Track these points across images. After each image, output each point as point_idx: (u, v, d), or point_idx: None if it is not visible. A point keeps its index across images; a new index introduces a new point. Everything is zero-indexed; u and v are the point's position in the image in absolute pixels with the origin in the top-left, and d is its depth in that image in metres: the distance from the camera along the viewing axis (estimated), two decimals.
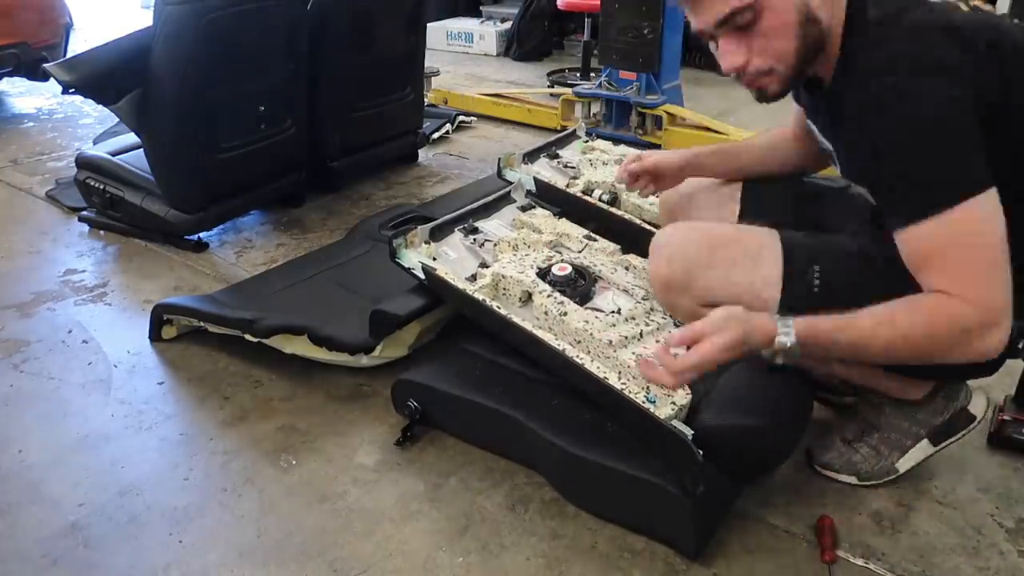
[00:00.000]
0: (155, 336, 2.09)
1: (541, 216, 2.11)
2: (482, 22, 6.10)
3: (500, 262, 1.85)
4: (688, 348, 1.24)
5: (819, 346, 1.21)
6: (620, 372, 1.52)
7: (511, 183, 2.27)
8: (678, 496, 1.36)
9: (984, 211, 1.14)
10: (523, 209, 2.17)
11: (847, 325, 1.20)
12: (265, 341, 1.88)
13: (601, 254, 1.94)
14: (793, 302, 1.34)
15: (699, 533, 1.39)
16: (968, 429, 1.53)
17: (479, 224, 2.07)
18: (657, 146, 3.48)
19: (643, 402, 1.43)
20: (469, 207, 2.11)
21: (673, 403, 1.43)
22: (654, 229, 2.12)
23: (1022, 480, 1.60)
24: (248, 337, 1.90)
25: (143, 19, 2.61)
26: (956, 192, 1.13)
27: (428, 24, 3.56)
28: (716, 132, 3.39)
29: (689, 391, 1.46)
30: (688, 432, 1.36)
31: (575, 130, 2.80)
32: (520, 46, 5.68)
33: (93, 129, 3.94)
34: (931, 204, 1.14)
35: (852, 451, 1.58)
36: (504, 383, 1.67)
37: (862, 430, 1.58)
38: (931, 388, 1.51)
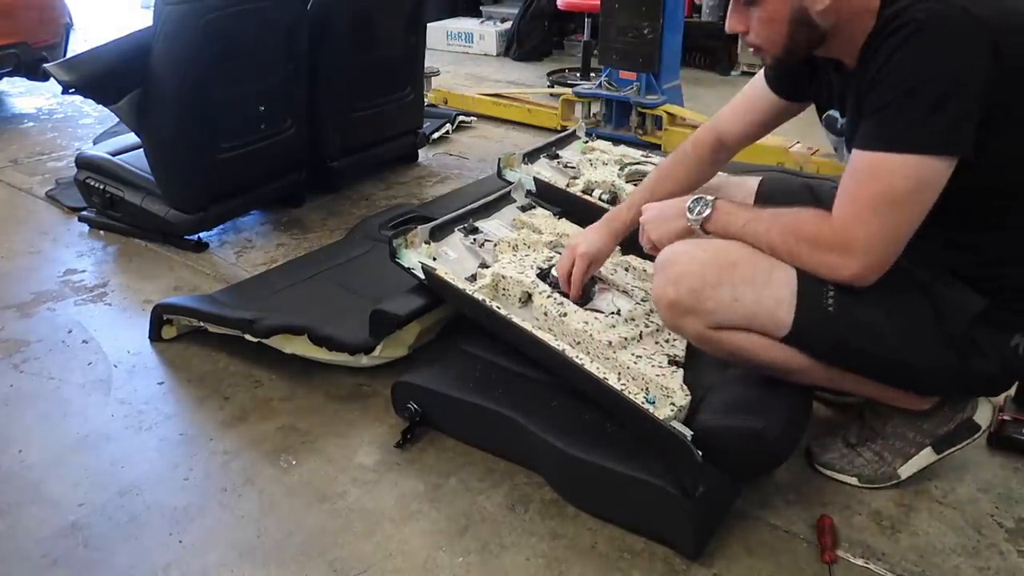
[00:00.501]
0: (155, 336, 2.09)
1: (541, 216, 2.11)
2: (482, 22, 6.10)
3: (500, 262, 1.85)
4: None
5: (726, 229, 1.40)
6: (620, 373, 1.52)
7: (511, 183, 2.27)
8: (677, 497, 1.35)
9: (927, 173, 1.20)
10: (523, 209, 2.18)
11: (749, 222, 1.38)
12: (265, 341, 1.88)
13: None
14: (808, 325, 1.35)
15: (699, 534, 1.39)
16: (972, 439, 1.53)
17: (479, 224, 2.07)
18: (657, 146, 3.49)
19: (642, 403, 1.43)
20: (469, 207, 2.11)
21: (672, 404, 1.43)
22: None
23: (1022, 480, 1.60)
24: (248, 337, 1.90)
25: (143, 19, 2.61)
26: (917, 142, 1.18)
27: (428, 24, 3.56)
28: None
29: (688, 392, 1.46)
30: (687, 432, 1.36)
31: (575, 130, 2.80)
32: (520, 46, 5.68)
33: (93, 129, 3.94)
34: (893, 140, 1.20)
35: (855, 454, 1.58)
36: (503, 385, 1.67)
37: (866, 436, 1.58)
38: (938, 399, 1.51)
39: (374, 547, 1.44)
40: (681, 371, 1.52)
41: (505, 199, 2.19)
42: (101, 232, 2.77)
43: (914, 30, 1.17)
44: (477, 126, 4.03)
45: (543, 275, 1.77)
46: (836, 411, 1.76)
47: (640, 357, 1.54)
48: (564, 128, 3.82)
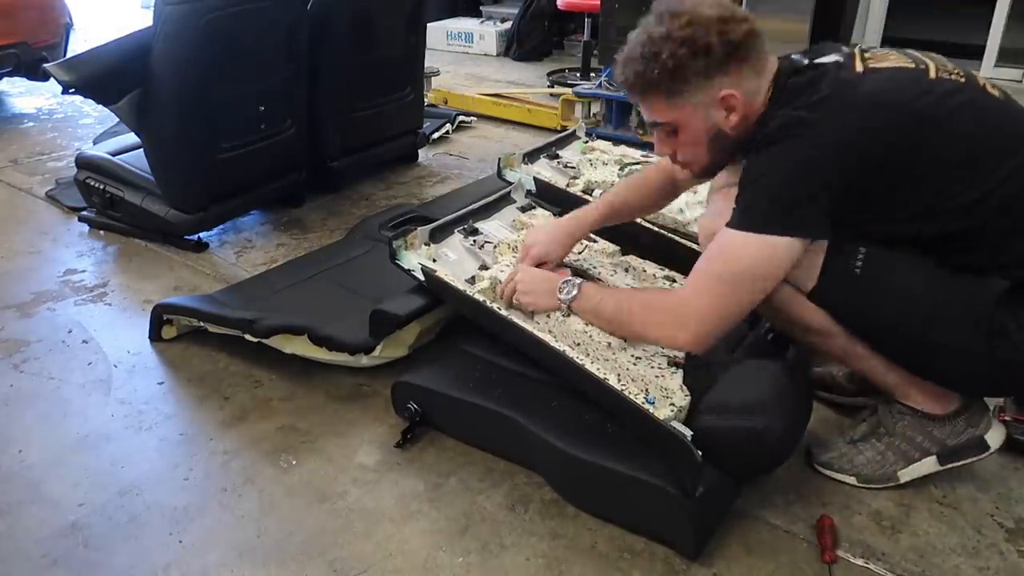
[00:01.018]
0: (155, 336, 2.09)
1: (541, 217, 2.11)
2: (482, 22, 6.10)
3: (500, 264, 1.85)
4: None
5: (589, 313, 1.57)
6: (619, 374, 1.52)
7: (511, 183, 2.27)
8: (677, 497, 1.36)
9: (768, 253, 1.33)
10: (523, 210, 2.17)
11: (605, 304, 1.54)
12: (265, 341, 1.88)
13: (601, 255, 1.94)
14: (833, 282, 1.40)
15: (698, 534, 1.39)
16: (978, 458, 1.51)
17: (479, 225, 2.07)
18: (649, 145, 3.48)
19: (642, 403, 1.43)
20: (469, 208, 2.11)
21: (672, 404, 1.43)
22: (655, 228, 2.12)
23: (1022, 480, 1.60)
24: (248, 337, 1.90)
25: (143, 19, 2.61)
26: (764, 224, 1.32)
27: (428, 24, 3.56)
28: None
29: (687, 393, 1.46)
30: (687, 433, 1.36)
31: (575, 130, 2.80)
32: (520, 46, 5.68)
33: (93, 129, 3.94)
34: (745, 219, 1.34)
35: (856, 452, 1.58)
36: (504, 385, 1.67)
37: (872, 432, 1.58)
38: (956, 407, 1.50)
39: (374, 547, 1.44)
40: (680, 372, 1.52)
41: (505, 200, 2.19)
42: (101, 232, 2.78)
43: (765, 142, 1.34)
44: (477, 126, 4.03)
45: None
46: (840, 411, 1.76)
47: (640, 359, 1.53)
48: (564, 128, 3.83)
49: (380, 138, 3.24)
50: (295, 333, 1.85)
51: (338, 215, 2.91)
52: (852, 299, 1.40)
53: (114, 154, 2.78)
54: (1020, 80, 4.57)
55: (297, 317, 1.88)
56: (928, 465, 1.53)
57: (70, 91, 2.34)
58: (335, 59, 2.87)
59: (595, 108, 3.83)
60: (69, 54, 3.96)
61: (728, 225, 1.36)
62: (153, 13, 2.34)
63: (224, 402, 1.85)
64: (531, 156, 2.55)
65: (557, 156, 2.60)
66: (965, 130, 1.31)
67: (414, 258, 1.88)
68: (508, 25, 5.85)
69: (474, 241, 2.00)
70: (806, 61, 1.40)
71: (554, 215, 2.14)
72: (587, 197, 2.28)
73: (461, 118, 3.98)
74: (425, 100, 3.67)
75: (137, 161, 2.67)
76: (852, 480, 1.57)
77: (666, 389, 1.46)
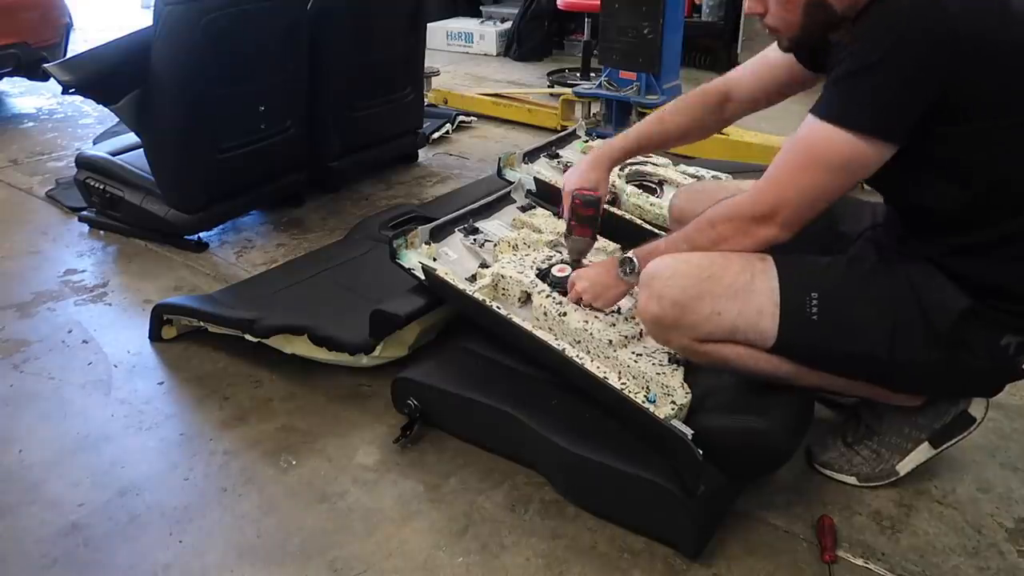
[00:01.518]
0: (155, 336, 2.09)
1: (541, 216, 2.11)
2: (482, 22, 6.09)
3: (500, 262, 1.85)
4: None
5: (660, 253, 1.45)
6: (620, 372, 1.52)
7: (511, 183, 2.27)
8: (678, 496, 1.36)
9: (861, 154, 1.23)
10: (523, 209, 2.17)
11: (670, 241, 1.47)
12: (265, 341, 1.88)
13: (601, 254, 1.94)
14: (793, 335, 1.36)
15: (699, 533, 1.39)
16: (968, 431, 1.52)
17: (479, 224, 2.07)
18: None
19: (643, 402, 1.43)
20: (469, 207, 2.11)
21: (673, 402, 1.43)
22: (654, 228, 2.12)
23: (1022, 480, 1.60)
24: (248, 337, 1.90)
25: (143, 19, 2.61)
26: (855, 119, 1.21)
27: (428, 24, 3.56)
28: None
29: (688, 390, 1.46)
30: (688, 431, 1.36)
31: (575, 130, 2.80)
32: (520, 46, 5.68)
33: (93, 129, 3.94)
34: (842, 116, 1.23)
35: (853, 453, 1.58)
36: (504, 382, 1.67)
37: (863, 434, 1.58)
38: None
39: (374, 547, 1.44)
40: (682, 369, 1.52)
41: (505, 199, 2.19)
42: (101, 232, 2.77)
43: (879, 16, 1.20)
44: (477, 126, 4.03)
45: (543, 275, 1.77)
46: (835, 411, 1.76)
47: (640, 355, 1.54)
48: (564, 128, 3.83)
49: (380, 138, 3.24)
50: (295, 333, 1.85)
51: (338, 215, 2.91)
52: (814, 344, 1.36)
53: (114, 154, 2.78)
54: None
55: (297, 317, 1.88)
56: (923, 452, 1.53)
57: (70, 91, 2.34)
58: (335, 59, 2.87)
59: (595, 108, 3.83)
60: (69, 54, 3.96)
61: (816, 111, 1.26)
62: (153, 13, 2.34)
63: (224, 402, 1.85)
64: (531, 155, 2.54)
65: (557, 156, 2.60)
66: None
67: (415, 257, 1.88)
68: (508, 25, 5.85)
69: (474, 240, 2.00)
70: None
71: (554, 215, 2.14)
72: None
73: (461, 118, 3.98)
74: (425, 100, 3.67)
75: (137, 161, 2.67)
76: (852, 480, 1.57)
77: (667, 387, 1.46)
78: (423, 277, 1.82)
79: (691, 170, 2.44)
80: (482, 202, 2.14)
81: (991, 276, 1.31)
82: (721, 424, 1.42)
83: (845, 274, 1.38)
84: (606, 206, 2.23)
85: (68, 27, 4.32)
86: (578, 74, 4.85)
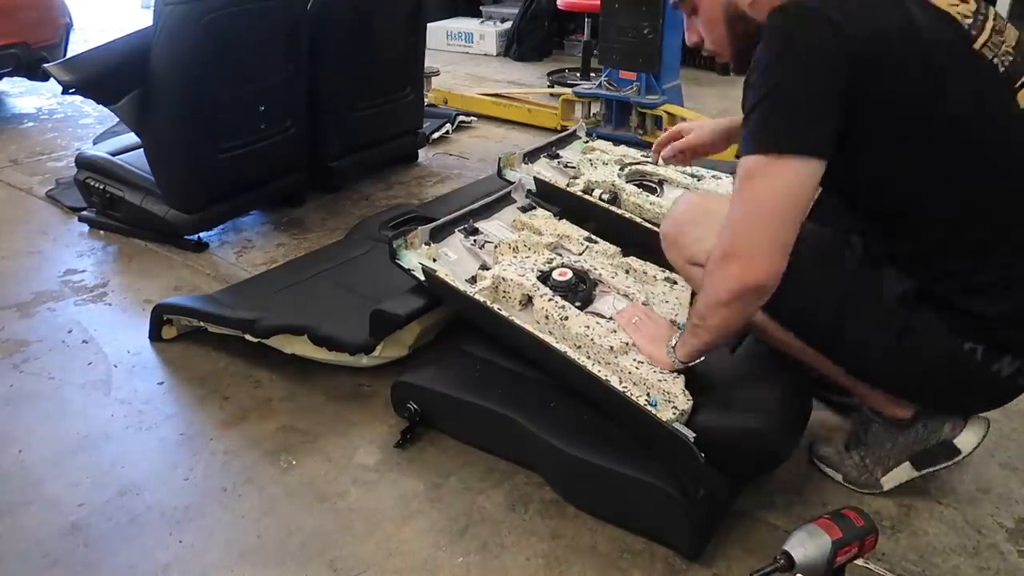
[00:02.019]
0: (155, 336, 2.09)
1: (542, 217, 2.11)
2: (482, 22, 6.09)
3: (500, 264, 1.85)
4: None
5: (687, 344, 1.46)
6: (621, 377, 1.52)
7: (511, 183, 2.27)
8: (677, 499, 1.35)
9: (793, 174, 1.21)
10: (523, 210, 2.17)
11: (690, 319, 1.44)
12: (265, 341, 1.88)
13: (602, 257, 1.94)
14: None
15: (698, 535, 1.39)
16: (951, 462, 1.48)
17: (479, 225, 2.07)
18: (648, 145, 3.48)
19: (644, 405, 1.43)
20: (469, 208, 2.11)
21: (674, 407, 1.43)
22: (655, 228, 2.12)
23: (1022, 480, 1.60)
24: (248, 337, 1.90)
25: (143, 19, 2.61)
26: (781, 143, 1.20)
27: (428, 24, 3.56)
28: None
29: (690, 396, 1.45)
30: (690, 435, 1.36)
31: (575, 130, 2.80)
32: (520, 46, 5.68)
33: (93, 129, 3.94)
34: (761, 144, 1.22)
35: (847, 455, 1.60)
36: (503, 385, 1.67)
37: (853, 441, 1.60)
38: (914, 412, 1.49)
39: (374, 547, 1.44)
40: (683, 376, 1.52)
41: (505, 200, 2.19)
42: (101, 232, 2.78)
43: (768, 36, 1.22)
44: (477, 126, 4.03)
45: (544, 278, 1.77)
46: (836, 411, 1.76)
47: (642, 362, 1.53)
48: (564, 128, 3.82)
49: (380, 138, 3.24)
50: (295, 333, 1.85)
51: (338, 215, 2.91)
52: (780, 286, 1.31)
53: (114, 154, 2.78)
54: None
55: (297, 317, 1.88)
56: (905, 471, 1.52)
57: (70, 91, 2.34)
58: (335, 59, 2.87)
59: (595, 108, 3.83)
60: (69, 54, 3.96)
61: (742, 147, 1.26)
62: (153, 13, 2.34)
63: (224, 402, 1.85)
64: (531, 156, 2.54)
65: (557, 156, 2.60)
66: (967, 114, 1.23)
67: (414, 257, 1.88)
68: (508, 25, 5.85)
69: (474, 241, 2.00)
70: None
71: (554, 215, 2.14)
72: (588, 197, 2.27)
73: (461, 118, 3.98)
74: (425, 100, 3.66)
75: (137, 161, 2.67)
76: (840, 478, 1.59)
77: (668, 392, 1.46)
78: (423, 278, 1.82)
79: (690, 169, 2.43)
80: (482, 202, 2.14)
81: (928, 286, 1.33)
82: (719, 425, 1.42)
83: (819, 239, 1.41)
84: (606, 205, 2.24)
85: (68, 27, 4.32)
86: (578, 74, 4.86)
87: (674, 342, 1.50)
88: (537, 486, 1.58)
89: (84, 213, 2.84)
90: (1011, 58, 1.25)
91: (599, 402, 1.53)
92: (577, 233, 2.04)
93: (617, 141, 2.90)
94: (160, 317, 2.06)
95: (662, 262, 1.93)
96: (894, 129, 1.24)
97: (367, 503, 1.55)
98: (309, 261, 2.39)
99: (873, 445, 1.55)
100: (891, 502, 1.54)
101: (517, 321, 1.64)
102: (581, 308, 1.70)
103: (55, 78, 2.33)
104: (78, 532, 1.48)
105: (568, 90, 4.00)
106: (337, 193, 3.09)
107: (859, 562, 1.39)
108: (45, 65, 2.43)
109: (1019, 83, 1.26)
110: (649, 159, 2.52)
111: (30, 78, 4.26)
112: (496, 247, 1.95)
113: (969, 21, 1.25)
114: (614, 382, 1.50)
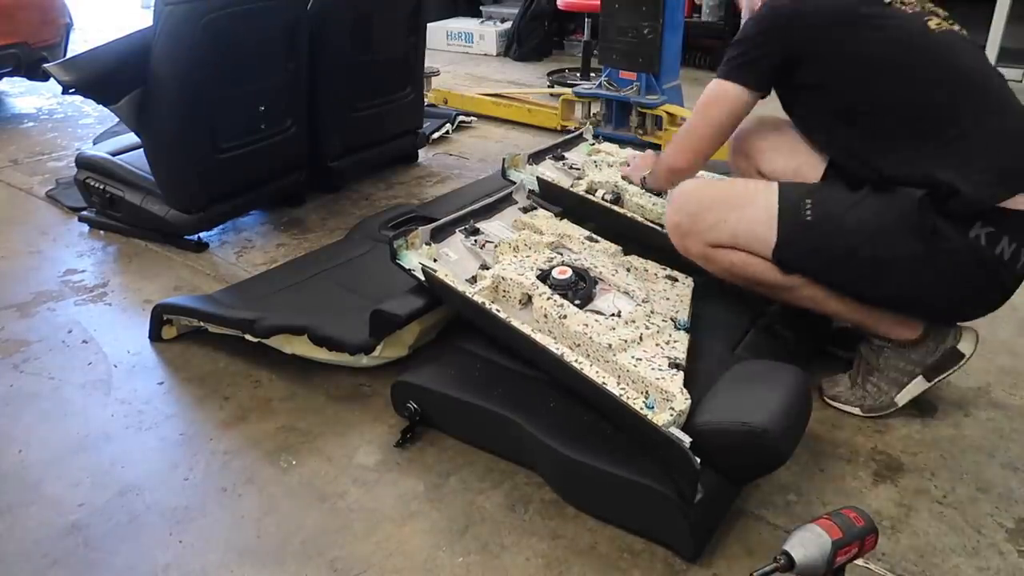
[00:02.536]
0: (155, 336, 2.09)
1: (542, 217, 2.11)
2: (482, 22, 6.10)
3: (501, 264, 1.85)
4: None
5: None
6: (619, 376, 1.52)
7: (515, 183, 2.27)
8: (675, 501, 1.35)
9: (726, 95, 1.73)
10: (524, 210, 2.17)
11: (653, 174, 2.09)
12: (265, 341, 1.88)
13: (602, 255, 1.94)
14: (791, 236, 1.61)
15: (697, 537, 1.39)
16: (958, 366, 1.69)
17: (480, 225, 2.07)
18: (657, 146, 3.48)
19: (641, 408, 1.43)
20: (470, 208, 2.11)
21: (672, 408, 1.42)
22: (657, 228, 2.12)
23: (1022, 480, 1.60)
24: (248, 337, 1.90)
25: (143, 19, 2.61)
26: (731, 73, 1.71)
27: (428, 24, 3.56)
28: None
29: (688, 396, 1.46)
30: (686, 439, 1.35)
31: (582, 132, 2.79)
32: (520, 46, 5.68)
33: (93, 129, 3.94)
34: (720, 72, 1.74)
35: (858, 387, 1.78)
36: (503, 385, 1.67)
37: (865, 371, 1.77)
38: (922, 331, 1.69)
39: (374, 547, 1.44)
40: (681, 374, 1.52)
41: (506, 200, 2.19)
42: (101, 232, 2.78)
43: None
44: (477, 126, 4.03)
45: (543, 277, 1.77)
46: (846, 366, 1.85)
47: (640, 360, 1.53)
48: (564, 128, 3.83)
49: (380, 138, 3.23)
50: (295, 333, 1.85)
51: (338, 215, 2.91)
52: (811, 242, 1.60)
53: (114, 154, 2.78)
54: (1020, 80, 4.57)
55: (297, 317, 1.88)
56: (918, 384, 1.72)
57: (70, 91, 2.34)
58: (335, 59, 2.87)
59: (595, 108, 3.82)
60: (69, 54, 3.96)
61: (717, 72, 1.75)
62: (153, 13, 2.34)
63: (224, 402, 1.85)
64: (536, 157, 2.54)
65: (563, 158, 2.60)
66: (890, 48, 1.58)
67: (415, 258, 1.88)
68: (508, 25, 5.85)
69: (475, 241, 2.00)
70: None
71: (555, 215, 2.13)
72: (590, 197, 2.27)
73: (461, 118, 3.98)
74: (425, 100, 3.66)
75: (137, 161, 2.67)
76: (857, 411, 1.76)
77: (666, 392, 1.46)
78: (423, 278, 1.82)
79: None
80: (483, 203, 2.14)
81: (917, 181, 1.53)
82: (719, 426, 1.41)
83: (837, 187, 1.64)
84: (608, 204, 2.24)
85: (68, 27, 4.32)
86: (578, 74, 4.86)
87: (645, 174, 2.15)
88: (537, 486, 1.58)
89: (84, 213, 2.84)
90: (916, 6, 1.65)
91: (596, 405, 1.53)
92: (578, 232, 2.04)
93: (617, 141, 2.90)
94: (160, 317, 2.06)
95: (662, 260, 1.94)
96: (844, 68, 1.63)
97: (367, 503, 1.55)
98: (309, 261, 2.39)
99: (886, 368, 1.73)
100: (891, 502, 1.54)
101: (515, 323, 1.64)
102: (581, 306, 1.70)
103: (55, 78, 2.33)
104: (78, 532, 1.48)
105: (568, 90, 3.99)
106: (337, 193, 3.09)
107: (859, 562, 1.39)
108: (45, 65, 2.43)
109: (925, 17, 1.63)
110: None
111: (30, 78, 4.26)
112: (496, 247, 1.95)
113: None
114: (611, 382, 1.50)
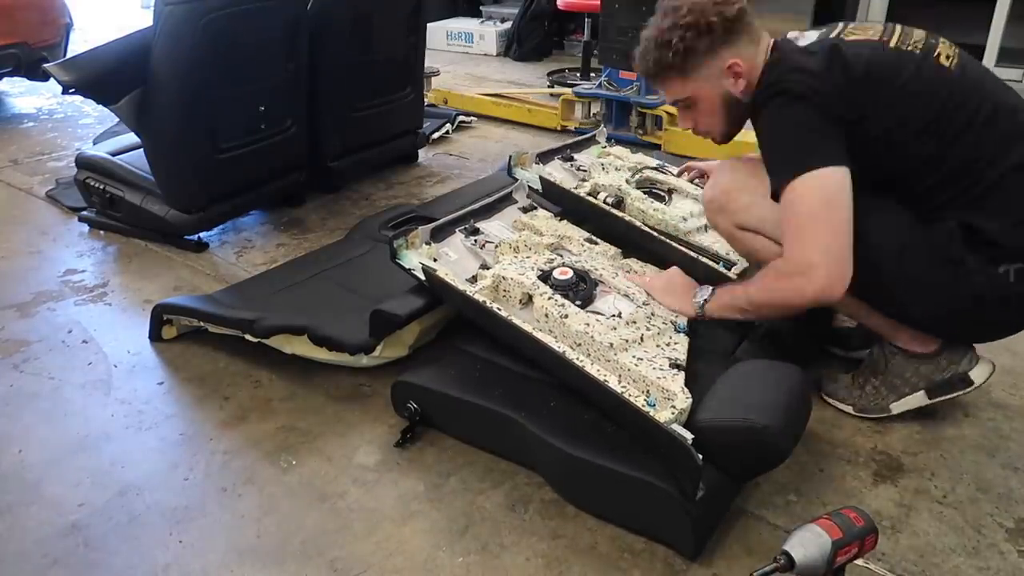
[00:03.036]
0: (155, 336, 2.09)
1: (542, 218, 2.11)
2: (482, 22, 6.10)
3: (501, 263, 1.85)
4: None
5: (725, 308, 1.67)
6: (620, 375, 1.52)
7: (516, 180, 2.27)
8: (677, 499, 1.35)
9: (825, 180, 1.46)
10: (525, 210, 2.17)
11: (738, 294, 1.64)
12: (265, 341, 1.88)
13: (602, 257, 1.94)
14: None
15: (698, 535, 1.39)
16: (963, 391, 1.66)
17: (480, 225, 2.07)
18: (657, 146, 3.49)
19: (643, 405, 1.43)
20: (470, 208, 2.11)
21: (673, 407, 1.43)
22: (656, 234, 2.12)
23: (1022, 480, 1.60)
24: (248, 337, 1.90)
25: (143, 19, 2.61)
26: (803, 164, 1.46)
27: (428, 24, 3.56)
28: None
29: (689, 395, 1.46)
30: (688, 436, 1.36)
31: (595, 135, 2.78)
32: (520, 46, 5.68)
33: (93, 129, 3.94)
34: (785, 171, 1.49)
35: (856, 387, 1.76)
36: (503, 384, 1.67)
37: (870, 371, 1.75)
38: (938, 346, 1.66)
39: (374, 547, 1.44)
40: (682, 374, 1.52)
41: (506, 199, 2.19)
42: (101, 232, 2.78)
43: (770, 95, 1.53)
44: (477, 126, 4.03)
45: (544, 277, 1.77)
46: (849, 365, 1.85)
47: (641, 359, 1.53)
48: (564, 128, 3.83)
49: (380, 138, 3.24)
50: (295, 333, 1.85)
51: (338, 215, 2.91)
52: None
53: (114, 154, 2.78)
54: (1020, 80, 4.57)
55: (297, 317, 1.88)
56: (917, 399, 1.70)
57: (70, 91, 2.34)
58: (335, 59, 2.87)
59: (595, 108, 3.83)
60: (69, 54, 3.96)
61: (774, 187, 1.51)
62: (153, 13, 2.34)
63: (224, 402, 1.85)
64: (544, 157, 2.52)
65: (572, 159, 2.59)
66: (914, 91, 1.50)
67: (415, 257, 1.87)
68: (508, 25, 5.85)
69: (475, 241, 2.00)
70: (794, 34, 1.63)
71: (555, 216, 2.13)
72: (591, 199, 2.26)
73: (461, 118, 3.98)
74: (425, 100, 3.66)
75: (137, 161, 2.67)
76: (849, 409, 1.76)
77: (667, 391, 1.46)
78: (423, 278, 1.82)
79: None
80: (483, 202, 2.14)
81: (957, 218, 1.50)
82: (719, 424, 1.42)
83: (870, 198, 1.53)
84: (606, 208, 2.23)
85: (68, 27, 4.32)
86: (578, 74, 4.86)
87: (701, 299, 1.69)
88: (537, 486, 1.58)
89: (84, 213, 2.84)
90: (921, 44, 1.55)
91: (598, 402, 1.53)
92: (578, 234, 2.04)
93: (617, 141, 2.90)
94: (160, 317, 2.06)
95: (662, 265, 1.93)
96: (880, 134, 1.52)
97: (367, 503, 1.55)
98: (309, 261, 2.39)
99: (891, 374, 1.71)
100: (891, 502, 1.54)
101: (516, 321, 1.64)
102: (582, 307, 1.70)
103: (55, 78, 2.33)
104: (78, 532, 1.48)
105: (568, 90, 3.99)
106: (337, 193, 3.09)
107: (859, 562, 1.39)
108: (45, 65, 2.43)
109: (935, 53, 1.55)
110: (666, 167, 2.51)
111: (30, 78, 4.27)
112: (497, 247, 1.95)
113: (877, 37, 1.56)
114: (613, 381, 1.50)
